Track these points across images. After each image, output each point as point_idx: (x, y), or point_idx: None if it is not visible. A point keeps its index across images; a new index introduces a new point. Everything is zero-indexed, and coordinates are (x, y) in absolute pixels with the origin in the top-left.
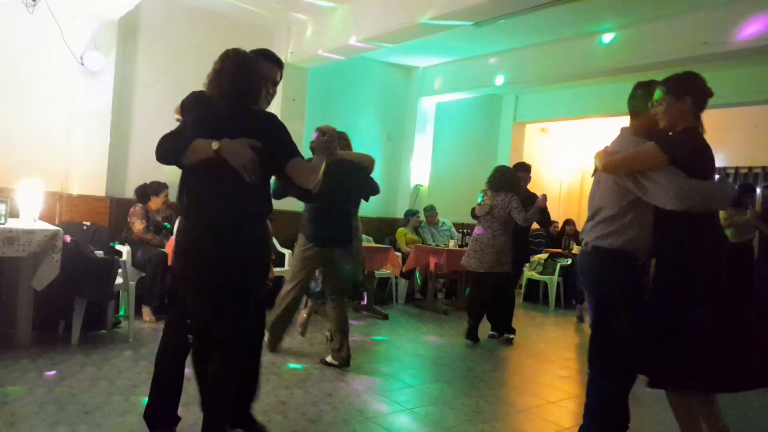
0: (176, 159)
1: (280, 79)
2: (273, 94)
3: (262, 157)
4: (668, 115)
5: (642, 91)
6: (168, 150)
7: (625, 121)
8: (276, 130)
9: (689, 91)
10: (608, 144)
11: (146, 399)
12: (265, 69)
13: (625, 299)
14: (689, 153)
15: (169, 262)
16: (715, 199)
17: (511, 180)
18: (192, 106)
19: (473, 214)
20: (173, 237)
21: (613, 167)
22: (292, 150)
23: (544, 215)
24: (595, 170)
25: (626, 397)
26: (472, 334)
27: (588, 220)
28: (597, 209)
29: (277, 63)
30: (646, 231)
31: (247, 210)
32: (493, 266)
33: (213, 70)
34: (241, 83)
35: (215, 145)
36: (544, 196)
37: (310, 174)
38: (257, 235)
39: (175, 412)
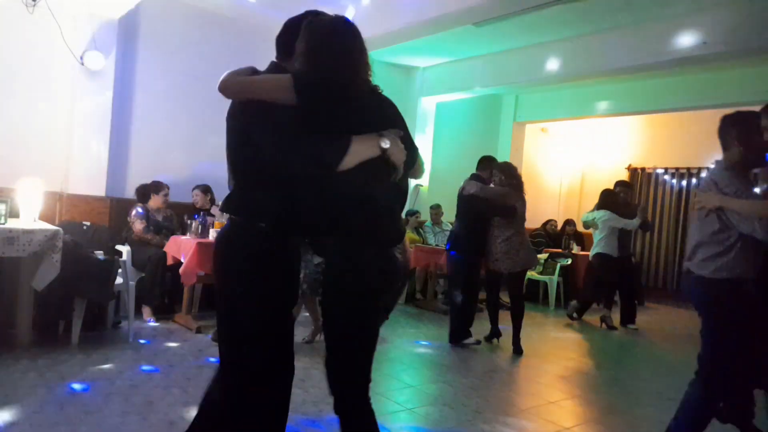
0: (335, 166)
1: None
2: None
3: None
4: None
5: (728, 122)
6: (328, 152)
7: (624, 120)
8: (403, 121)
9: None
10: (709, 178)
11: (146, 399)
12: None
13: (735, 323)
14: None
15: (169, 262)
16: None
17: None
18: (327, 91)
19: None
20: (175, 237)
21: None
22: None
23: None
24: (705, 209)
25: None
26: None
27: (693, 252)
28: (701, 243)
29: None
30: (752, 261)
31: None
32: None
33: (319, 43)
34: (364, 61)
35: (385, 143)
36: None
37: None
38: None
39: None
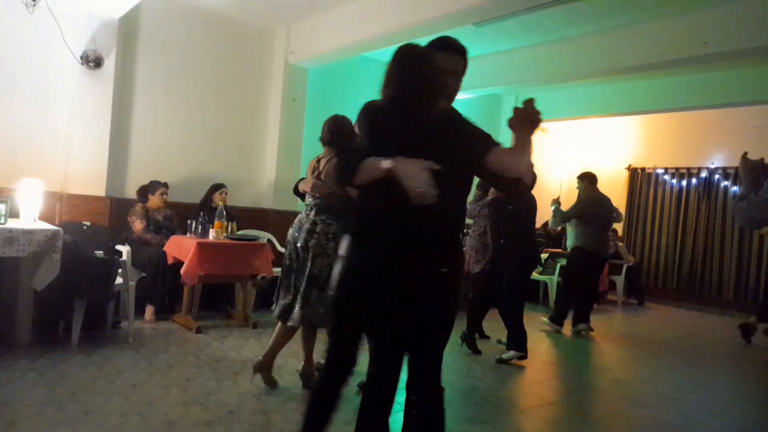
0: (350, 182)
1: (464, 68)
2: (455, 88)
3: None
4: None
5: None
6: (346, 169)
7: (624, 120)
8: (464, 128)
9: None
10: None
11: (146, 399)
12: (440, 60)
13: None
14: None
15: (169, 262)
16: None
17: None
18: (362, 118)
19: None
20: (175, 237)
21: None
22: (489, 140)
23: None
24: None
25: None
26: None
27: None
28: None
29: (457, 51)
30: None
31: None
32: None
33: (385, 73)
34: (412, 83)
35: (386, 164)
36: None
37: (519, 156)
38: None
39: None
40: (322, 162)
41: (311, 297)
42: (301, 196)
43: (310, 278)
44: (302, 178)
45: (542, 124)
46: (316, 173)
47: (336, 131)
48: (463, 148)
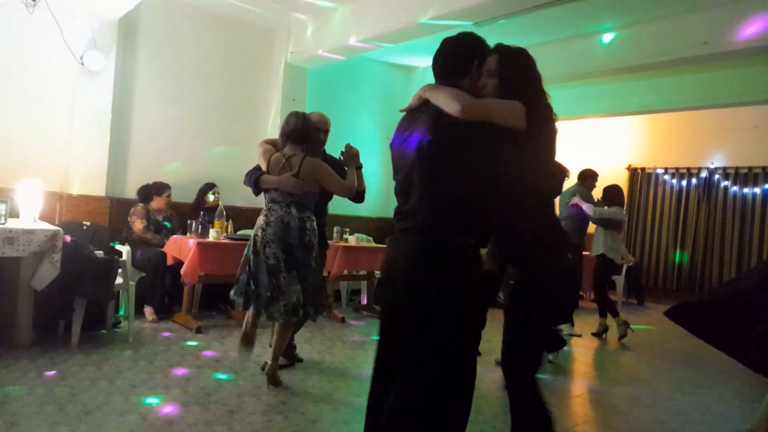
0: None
1: None
2: None
3: None
4: None
5: None
6: (559, 175)
7: (624, 120)
8: None
9: None
10: None
11: (146, 399)
12: None
13: None
14: None
15: (169, 262)
16: None
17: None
18: (546, 119)
19: None
20: (175, 237)
21: None
22: None
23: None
24: None
25: None
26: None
27: None
28: None
29: None
30: None
31: None
32: None
33: (526, 73)
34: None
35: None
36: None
37: None
38: None
39: None
40: (295, 160)
41: (309, 290)
42: (259, 190)
43: (310, 272)
44: (263, 173)
45: None
46: (293, 171)
47: (303, 129)
48: None
